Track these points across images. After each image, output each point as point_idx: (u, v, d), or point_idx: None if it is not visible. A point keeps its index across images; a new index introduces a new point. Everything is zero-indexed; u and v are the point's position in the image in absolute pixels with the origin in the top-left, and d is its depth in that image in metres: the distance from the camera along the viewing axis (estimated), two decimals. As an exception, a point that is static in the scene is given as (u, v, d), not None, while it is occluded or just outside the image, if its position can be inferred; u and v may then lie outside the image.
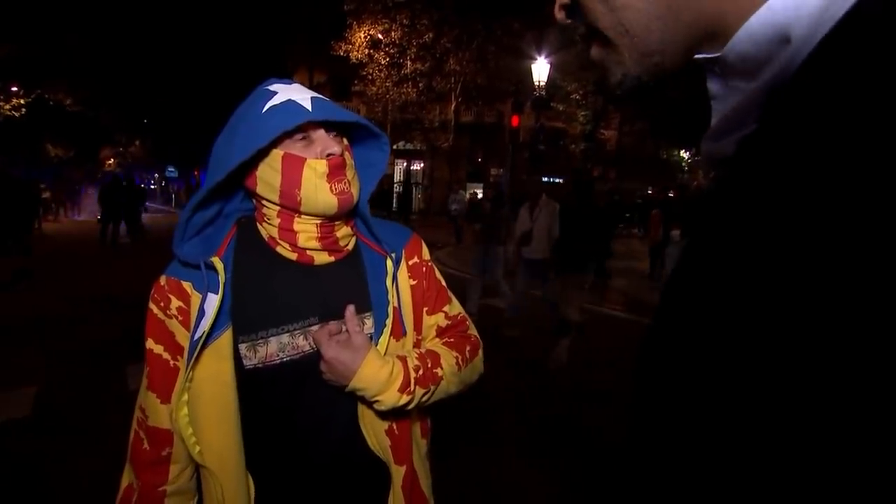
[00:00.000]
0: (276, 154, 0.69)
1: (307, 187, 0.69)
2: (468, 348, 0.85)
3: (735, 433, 0.24)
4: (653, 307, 0.33)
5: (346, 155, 0.73)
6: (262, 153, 0.69)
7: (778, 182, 0.24)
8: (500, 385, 3.39)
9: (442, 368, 0.78)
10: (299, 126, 0.68)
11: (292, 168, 0.69)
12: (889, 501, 0.18)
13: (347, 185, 0.71)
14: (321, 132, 0.70)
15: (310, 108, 0.67)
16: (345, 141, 0.75)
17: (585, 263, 4.07)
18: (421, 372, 0.75)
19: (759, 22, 0.27)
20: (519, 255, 4.40)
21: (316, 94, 0.71)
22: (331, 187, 0.69)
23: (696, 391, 0.27)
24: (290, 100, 0.68)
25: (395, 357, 0.74)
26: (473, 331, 0.90)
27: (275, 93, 0.69)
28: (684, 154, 21.23)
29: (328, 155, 0.69)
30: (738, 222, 0.26)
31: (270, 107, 0.68)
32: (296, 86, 0.72)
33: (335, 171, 0.70)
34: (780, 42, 0.27)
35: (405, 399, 0.72)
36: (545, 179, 16.53)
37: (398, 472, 0.78)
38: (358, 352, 0.70)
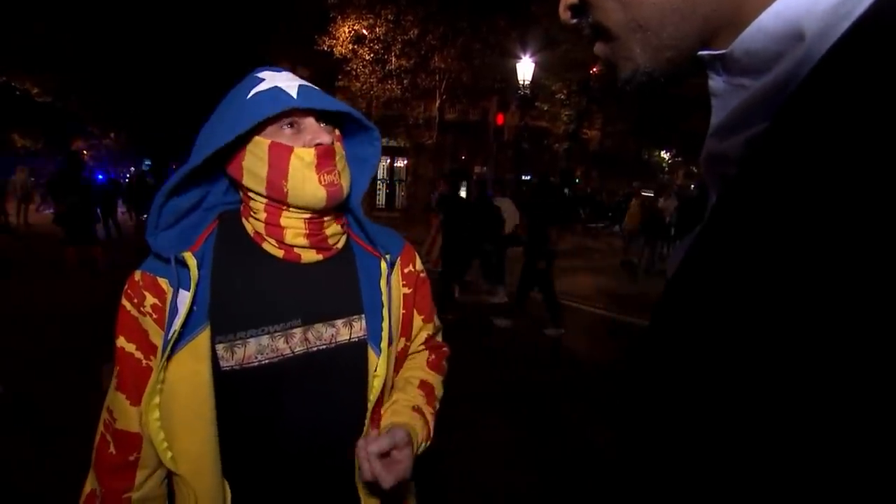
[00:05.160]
0: (263, 143, 0.66)
1: (294, 177, 0.66)
2: (445, 365, 0.93)
3: (735, 435, 0.23)
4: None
5: (337, 145, 0.70)
6: (249, 142, 0.66)
7: (797, 184, 0.23)
8: (486, 382, 3.40)
9: (437, 398, 0.86)
10: (287, 114, 0.65)
11: (279, 157, 0.66)
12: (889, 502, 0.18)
13: (337, 176, 0.68)
14: (310, 120, 0.68)
15: (295, 96, 0.65)
16: (336, 132, 0.72)
17: None
18: (431, 415, 0.82)
19: (772, 17, 0.27)
20: None
21: (304, 83, 0.68)
22: (319, 178, 0.67)
23: (699, 394, 0.26)
24: (275, 86, 0.66)
25: (414, 415, 0.78)
26: (440, 340, 0.99)
27: (262, 80, 0.67)
28: (665, 155, 21.65)
29: (317, 144, 0.66)
30: (753, 224, 0.25)
31: (255, 93, 0.65)
32: (285, 73, 0.70)
33: (323, 160, 0.67)
34: (794, 38, 0.26)
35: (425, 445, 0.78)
36: (527, 178, 16.68)
37: None
38: (407, 459, 0.69)
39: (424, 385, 0.84)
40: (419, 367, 0.88)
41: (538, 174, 6.18)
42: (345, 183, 0.70)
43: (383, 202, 18.42)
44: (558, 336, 4.50)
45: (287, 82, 0.67)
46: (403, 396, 0.80)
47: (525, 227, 4.88)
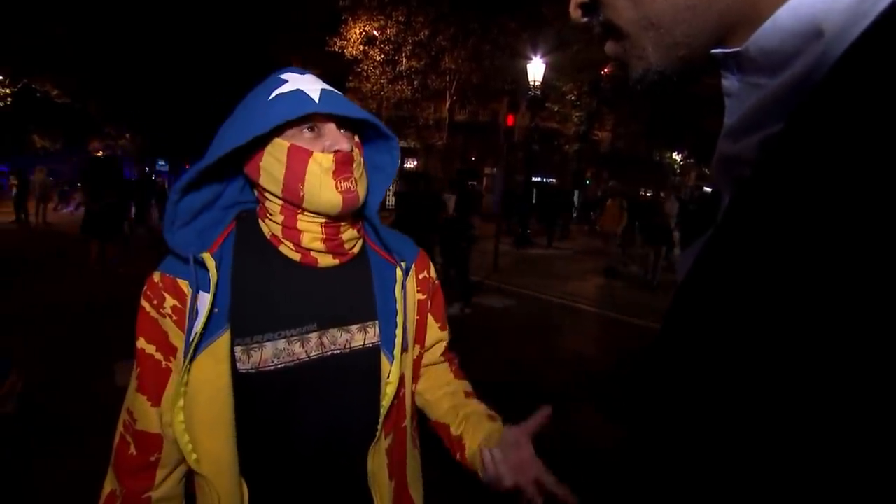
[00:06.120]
0: (282, 145, 0.65)
1: (311, 182, 0.65)
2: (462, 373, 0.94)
3: (748, 445, 0.23)
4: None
5: (356, 152, 0.69)
6: (268, 142, 0.66)
7: (813, 186, 0.22)
8: (487, 382, 3.40)
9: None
10: (308, 118, 0.65)
11: (297, 160, 0.65)
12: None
13: (354, 183, 0.67)
14: (331, 126, 0.67)
15: (317, 100, 0.64)
16: (356, 138, 0.71)
17: None
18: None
19: (789, 13, 0.26)
20: None
21: (327, 87, 0.68)
22: (336, 184, 0.66)
23: (713, 402, 0.26)
24: (298, 89, 0.65)
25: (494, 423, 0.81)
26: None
27: (285, 81, 0.67)
28: (677, 156, 21.44)
29: (336, 151, 0.66)
30: (767, 228, 0.24)
31: (277, 95, 0.65)
32: (309, 76, 0.69)
33: (341, 167, 0.66)
34: (811, 36, 0.25)
35: None
36: (538, 179, 16.67)
37: (389, 486, 0.76)
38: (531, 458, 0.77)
39: (470, 395, 0.89)
40: (453, 382, 0.90)
41: (462, 174, 7.80)
42: (361, 190, 0.69)
43: (393, 203, 18.48)
44: (462, 315, 4.88)
45: (310, 86, 0.66)
46: (472, 408, 0.85)
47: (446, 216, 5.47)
